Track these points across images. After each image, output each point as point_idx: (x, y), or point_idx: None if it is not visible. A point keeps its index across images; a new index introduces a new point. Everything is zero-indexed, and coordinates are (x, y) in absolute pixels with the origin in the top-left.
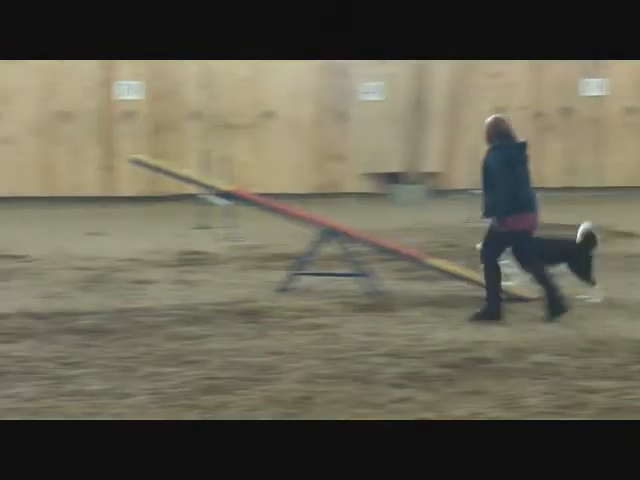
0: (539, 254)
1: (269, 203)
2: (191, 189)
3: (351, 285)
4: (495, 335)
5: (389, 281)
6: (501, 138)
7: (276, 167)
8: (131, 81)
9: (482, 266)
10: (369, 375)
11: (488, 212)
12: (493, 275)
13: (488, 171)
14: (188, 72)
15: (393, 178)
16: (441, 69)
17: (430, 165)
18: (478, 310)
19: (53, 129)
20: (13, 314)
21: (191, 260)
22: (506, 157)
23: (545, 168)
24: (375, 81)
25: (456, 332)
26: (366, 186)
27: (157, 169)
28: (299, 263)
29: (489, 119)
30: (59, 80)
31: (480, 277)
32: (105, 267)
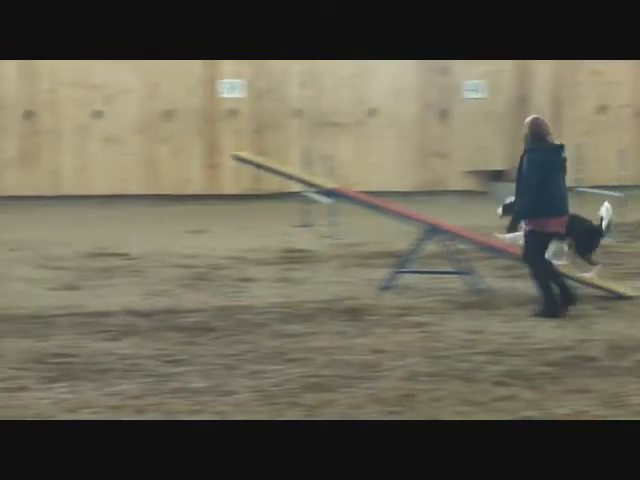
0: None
1: (371, 201)
2: (294, 187)
3: (453, 283)
4: (599, 333)
5: (491, 279)
6: (537, 140)
7: (378, 165)
8: (234, 79)
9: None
10: (472, 373)
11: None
12: (540, 274)
13: (521, 173)
14: (290, 70)
15: (495, 176)
16: (543, 67)
17: None
18: (537, 307)
19: (157, 127)
20: (117, 312)
21: (293, 258)
22: (540, 160)
23: None
24: (477, 79)
25: (559, 330)
26: (468, 184)
27: (259, 166)
28: (401, 261)
29: (527, 120)
30: (162, 79)
31: (582, 274)
32: (208, 265)
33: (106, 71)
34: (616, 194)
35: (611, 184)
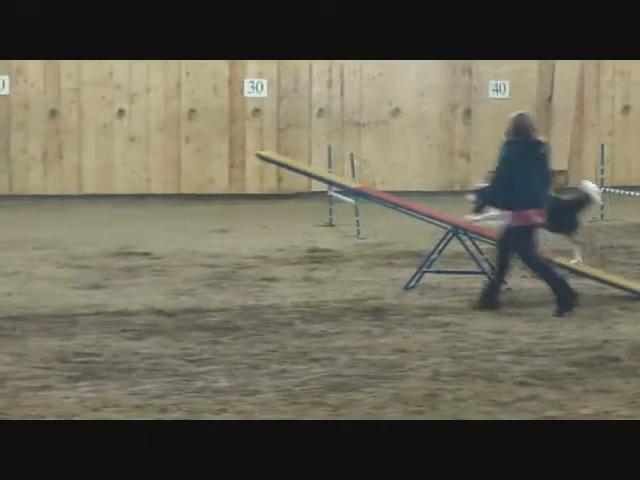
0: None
1: (395, 200)
2: (318, 187)
3: (477, 283)
4: (622, 334)
5: (514, 279)
6: (518, 134)
7: (402, 165)
8: (258, 79)
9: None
10: (495, 373)
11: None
12: (546, 271)
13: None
14: (314, 70)
15: None
16: (567, 67)
17: (556, 163)
18: (557, 305)
19: (180, 127)
20: (141, 311)
21: (317, 257)
22: (515, 153)
23: None
24: (501, 79)
25: (583, 330)
26: None
27: (282, 164)
28: (425, 261)
29: (513, 114)
30: (186, 78)
31: (607, 275)
32: (232, 264)
33: (130, 70)
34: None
35: (634, 184)
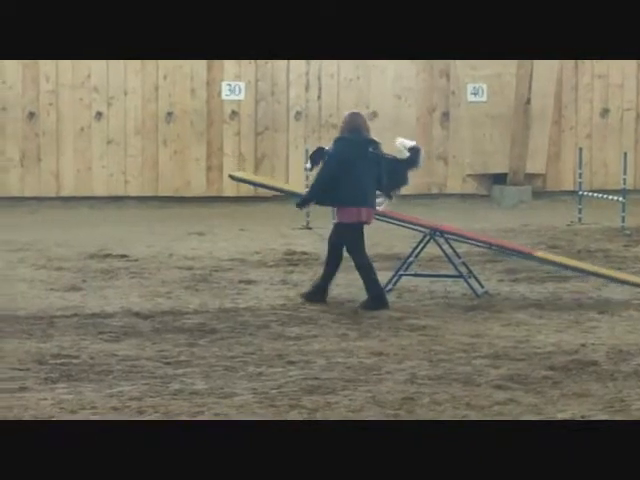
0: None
1: None
2: (295, 189)
3: (454, 286)
4: (599, 337)
5: (492, 282)
6: (351, 132)
7: None
8: (236, 82)
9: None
10: (472, 377)
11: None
12: (366, 267)
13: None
14: (292, 73)
15: (498, 179)
16: (545, 70)
17: (535, 166)
18: (367, 301)
19: (158, 129)
20: (118, 313)
21: (294, 260)
22: (342, 150)
23: None
24: (480, 82)
25: (561, 334)
26: (470, 187)
27: (257, 184)
28: (403, 264)
29: (346, 113)
30: (164, 80)
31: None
32: (209, 267)
33: (107, 73)
34: (617, 198)
35: (612, 188)
